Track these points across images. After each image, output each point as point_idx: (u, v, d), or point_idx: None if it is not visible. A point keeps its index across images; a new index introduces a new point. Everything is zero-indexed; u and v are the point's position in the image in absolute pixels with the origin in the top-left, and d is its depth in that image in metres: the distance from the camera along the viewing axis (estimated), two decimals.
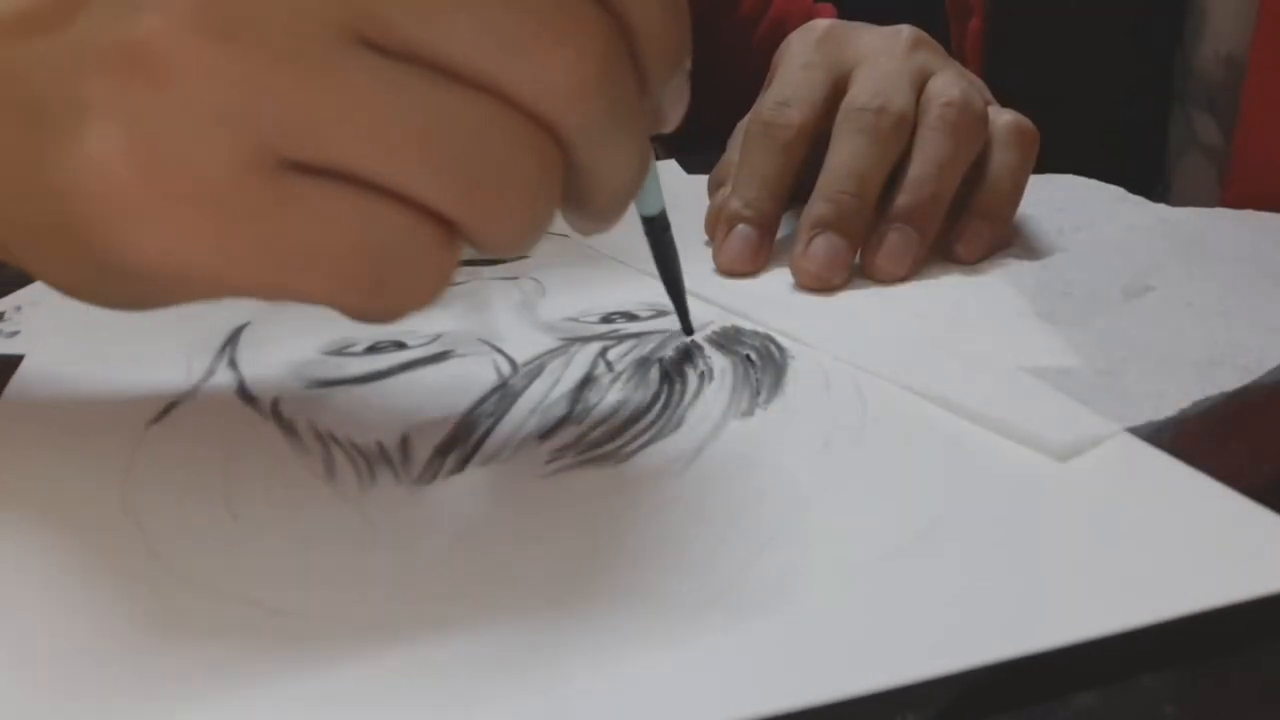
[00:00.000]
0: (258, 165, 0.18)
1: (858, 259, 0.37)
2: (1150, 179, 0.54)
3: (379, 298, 0.20)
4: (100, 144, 0.18)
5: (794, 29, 0.49)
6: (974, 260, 0.38)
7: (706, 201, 0.42)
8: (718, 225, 0.39)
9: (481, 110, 0.19)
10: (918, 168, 0.37)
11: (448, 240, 0.20)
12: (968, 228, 0.38)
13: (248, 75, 0.18)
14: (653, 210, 0.30)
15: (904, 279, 0.36)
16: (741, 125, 0.45)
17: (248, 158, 0.18)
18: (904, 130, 0.37)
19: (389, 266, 0.20)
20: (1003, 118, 0.39)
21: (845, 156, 0.37)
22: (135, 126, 0.18)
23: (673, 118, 0.24)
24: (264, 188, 0.19)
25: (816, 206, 0.37)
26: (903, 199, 0.37)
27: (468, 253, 0.21)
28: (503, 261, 0.40)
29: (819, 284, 0.36)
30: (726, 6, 0.70)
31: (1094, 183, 0.45)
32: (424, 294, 0.20)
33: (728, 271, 0.38)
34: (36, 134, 0.20)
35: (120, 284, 0.21)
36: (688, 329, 0.32)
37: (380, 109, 0.19)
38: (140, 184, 0.18)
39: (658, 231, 0.31)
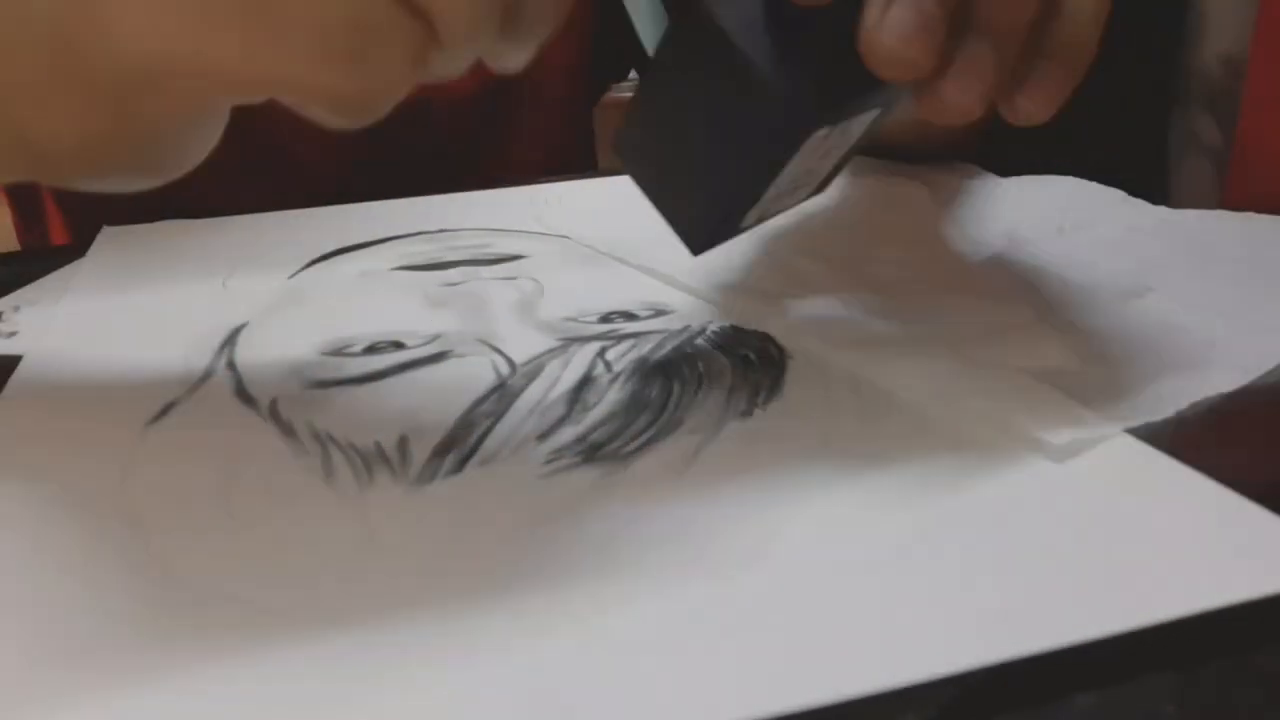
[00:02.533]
0: None
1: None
2: (1150, 179, 0.54)
3: (357, 74, 0.21)
4: None
5: None
6: (1039, 117, 0.28)
7: None
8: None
9: None
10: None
11: (417, 22, 0.21)
12: (1036, 71, 0.27)
13: None
14: None
15: (1046, 120, 0.28)
16: None
17: None
18: None
19: (368, 39, 0.21)
20: None
21: None
22: None
23: None
24: None
25: None
26: (1060, 27, 0.27)
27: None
28: (502, 261, 0.40)
29: (899, 68, 0.25)
30: None
31: (1094, 185, 0.45)
32: (398, 73, 0.22)
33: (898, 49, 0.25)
34: None
35: (117, 101, 0.23)
36: None
37: None
38: None
39: None
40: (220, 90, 0.23)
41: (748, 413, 0.28)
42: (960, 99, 0.26)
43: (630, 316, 0.34)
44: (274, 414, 0.28)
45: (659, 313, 0.34)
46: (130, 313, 0.36)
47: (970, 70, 0.26)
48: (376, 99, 0.22)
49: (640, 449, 0.26)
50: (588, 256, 0.41)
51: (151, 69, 0.22)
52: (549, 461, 0.26)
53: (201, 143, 0.26)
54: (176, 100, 0.23)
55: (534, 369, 0.30)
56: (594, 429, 0.27)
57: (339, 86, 0.21)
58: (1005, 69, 0.27)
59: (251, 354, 0.32)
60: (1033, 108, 0.28)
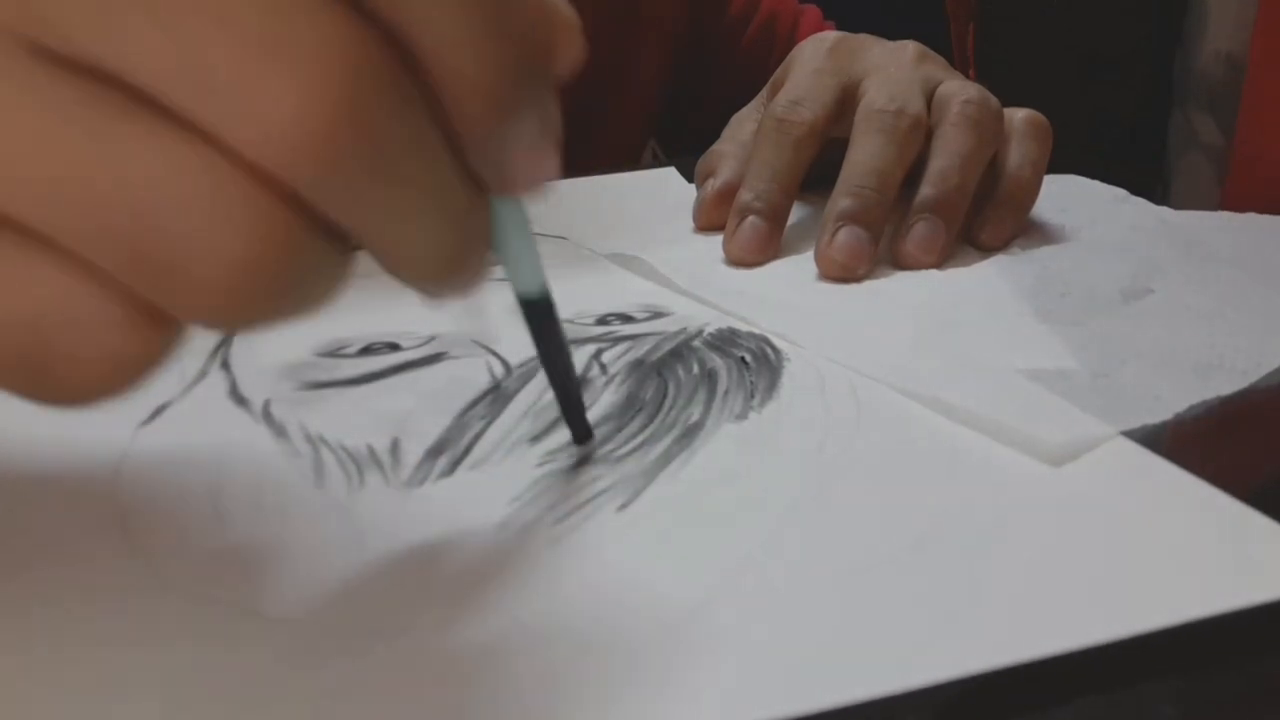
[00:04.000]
0: None
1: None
2: (1150, 179, 0.54)
3: (42, 382, 0.16)
4: None
5: (783, 29, 0.49)
6: (998, 246, 0.39)
7: None
8: (729, 217, 0.40)
9: (171, 150, 0.15)
10: (941, 160, 0.38)
11: (136, 316, 0.16)
12: (991, 216, 0.39)
13: None
14: (530, 289, 0.22)
15: (934, 266, 0.37)
16: (737, 117, 0.45)
17: None
18: (920, 133, 0.39)
19: (51, 344, 0.16)
20: (1019, 114, 0.41)
21: (865, 155, 0.38)
22: None
23: (528, 173, 0.19)
24: None
25: (840, 201, 0.37)
26: (928, 190, 0.38)
27: None
28: None
29: (845, 273, 0.37)
30: (715, 8, 0.70)
31: (1096, 183, 0.45)
32: (100, 381, 0.16)
33: (738, 261, 0.39)
34: None
35: None
36: (580, 436, 0.26)
37: (40, 141, 0.15)
38: None
39: (538, 319, 0.23)
40: None
41: (742, 415, 0.28)
42: (922, 260, 0.37)
43: (627, 319, 0.34)
44: (267, 415, 0.28)
45: (656, 315, 0.34)
46: None
47: (925, 241, 0.37)
48: (78, 402, 0.16)
49: (634, 452, 0.26)
50: (585, 258, 0.40)
51: None
52: (542, 464, 0.26)
53: None
54: None
55: (529, 371, 0.30)
56: None
57: (25, 390, 0.16)
58: (954, 233, 0.38)
59: (246, 355, 0.32)
60: (991, 242, 0.39)
